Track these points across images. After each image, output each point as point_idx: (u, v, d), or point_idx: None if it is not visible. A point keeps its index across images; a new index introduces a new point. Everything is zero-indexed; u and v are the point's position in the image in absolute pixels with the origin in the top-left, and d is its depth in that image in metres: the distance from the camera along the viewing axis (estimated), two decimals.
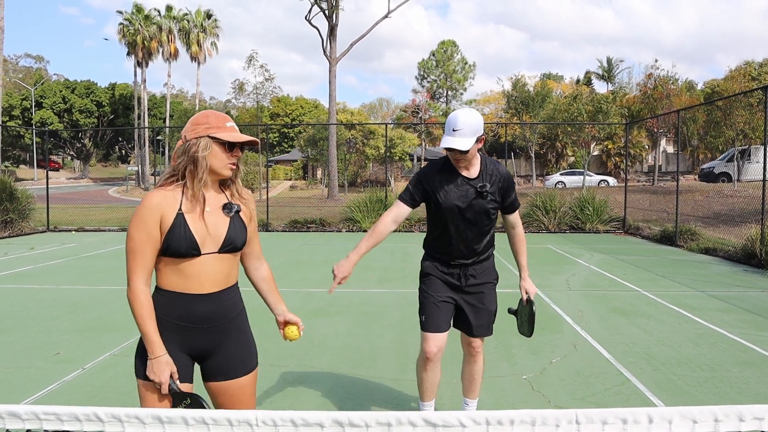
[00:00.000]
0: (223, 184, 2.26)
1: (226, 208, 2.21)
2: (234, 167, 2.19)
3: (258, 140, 2.22)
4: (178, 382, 2.11)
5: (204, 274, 2.15)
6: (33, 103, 57.19)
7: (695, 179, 30.71)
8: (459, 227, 3.21)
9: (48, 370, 4.72)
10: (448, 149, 3.08)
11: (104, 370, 4.73)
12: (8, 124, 53.34)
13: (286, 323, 2.47)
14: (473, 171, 3.19)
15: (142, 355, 2.14)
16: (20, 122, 57.39)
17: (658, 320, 6.39)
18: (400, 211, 3.27)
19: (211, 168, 2.14)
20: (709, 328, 6.07)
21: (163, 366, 2.07)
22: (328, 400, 4.08)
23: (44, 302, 7.35)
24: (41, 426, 1.27)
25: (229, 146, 2.15)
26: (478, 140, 3.10)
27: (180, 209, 2.11)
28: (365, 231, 16.81)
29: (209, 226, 2.15)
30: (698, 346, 5.43)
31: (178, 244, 2.08)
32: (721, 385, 4.43)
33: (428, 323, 3.32)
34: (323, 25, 28.90)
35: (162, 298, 2.15)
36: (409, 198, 3.31)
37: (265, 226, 17.44)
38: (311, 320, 6.41)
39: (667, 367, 4.78)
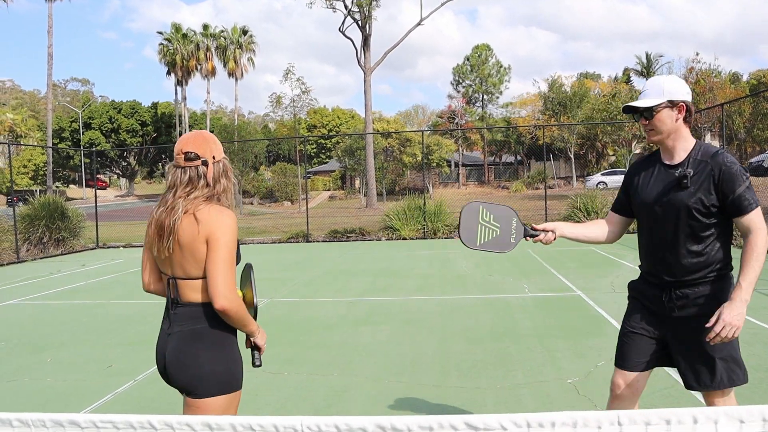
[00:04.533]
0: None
1: None
2: None
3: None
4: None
5: None
6: (81, 125, 59.08)
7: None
8: (653, 229, 2.55)
9: (102, 383, 4.87)
10: (628, 112, 2.59)
11: (154, 382, 4.86)
12: (59, 146, 55.21)
13: None
14: (677, 156, 2.51)
15: (235, 365, 2.25)
16: (70, 143, 59.36)
17: None
18: (608, 219, 2.83)
19: None
20: (762, 327, 5.89)
21: (262, 329, 2.37)
22: (372, 407, 4.11)
23: (96, 317, 7.59)
24: None
25: None
26: (674, 106, 2.46)
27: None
28: (405, 239, 16.86)
29: None
30: (751, 346, 5.27)
31: (239, 255, 2.29)
32: None
33: (616, 355, 2.75)
34: (357, 36, 29.17)
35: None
36: (617, 201, 2.79)
37: (305, 237, 17.63)
38: (354, 329, 6.46)
39: None
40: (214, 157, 2.25)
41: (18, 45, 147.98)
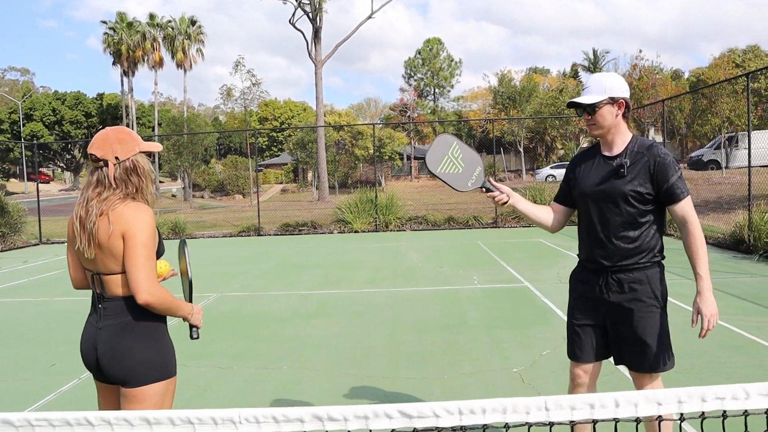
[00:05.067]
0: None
1: None
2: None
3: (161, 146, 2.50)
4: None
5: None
6: (21, 116, 56.89)
7: (685, 168, 30.92)
8: (591, 217, 2.69)
9: (45, 382, 4.75)
10: (572, 107, 2.74)
11: None
12: None
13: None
14: (616, 148, 2.67)
15: (167, 353, 2.30)
16: (9, 136, 57.10)
17: None
18: (551, 209, 2.93)
19: (150, 179, 2.37)
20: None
21: (198, 307, 2.44)
22: (323, 400, 4.14)
23: (39, 315, 7.37)
24: None
25: (150, 154, 2.39)
26: (614, 103, 2.61)
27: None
28: (357, 232, 16.89)
29: None
30: (686, 333, 5.47)
31: (162, 247, 2.37)
32: (707, 371, 4.51)
33: (568, 349, 2.85)
34: (307, 29, 28.95)
35: None
36: (559, 192, 2.93)
37: (257, 231, 17.47)
38: (306, 322, 6.47)
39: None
40: (117, 158, 2.23)
41: None
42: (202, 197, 45.13)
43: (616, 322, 2.66)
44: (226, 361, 5.08)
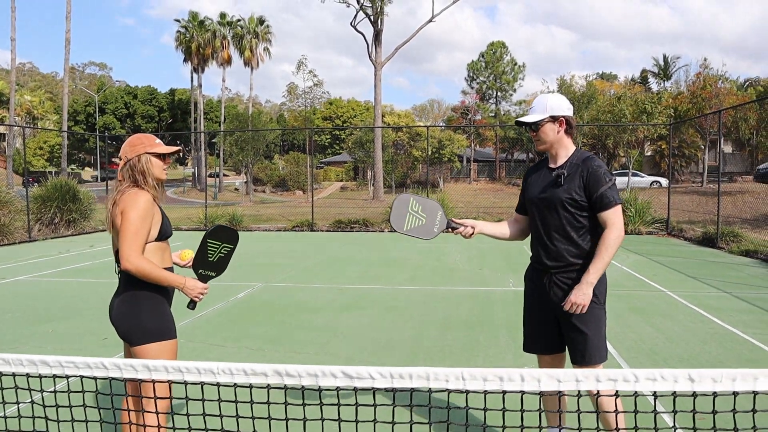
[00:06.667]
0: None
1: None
2: (166, 170, 2.91)
3: (180, 148, 3.05)
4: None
5: (170, 252, 2.91)
6: (96, 109, 59.88)
7: (751, 180, 29.80)
8: (536, 222, 3.02)
9: (97, 352, 5.29)
10: (519, 125, 3.04)
11: None
12: (73, 128, 56.02)
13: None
14: (559, 160, 2.96)
15: (153, 320, 2.71)
16: (84, 127, 60.22)
17: (674, 319, 6.55)
18: (514, 218, 3.29)
19: (153, 174, 2.82)
20: (723, 327, 6.20)
21: (193, 282, 2.82)
22: None
23: (99, 294, 8.03)
24: (51, 371, 1.72)
25: (162, 156, 2.85)
26: (555, 120, 2.91)
27: (159, 206, 2.83)
28: None
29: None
30: (706, 344, 5.60)
31: (168, 230, 2.85)
32: None
33: (523, 343, 3.16)
34: (369, 31, 29.47)
35: None
36: (518, 202, 3.25)
37: (310, 226, 18.04)
38: (338, 313, 6.85)
39: (668, 363, 4.99)
40: (127, 158, 2.79)
41: (38, 28, 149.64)
42: (264, 192, 46.43)
43: (559, 318, 2.94)
44: (258, 344, 5.51)
